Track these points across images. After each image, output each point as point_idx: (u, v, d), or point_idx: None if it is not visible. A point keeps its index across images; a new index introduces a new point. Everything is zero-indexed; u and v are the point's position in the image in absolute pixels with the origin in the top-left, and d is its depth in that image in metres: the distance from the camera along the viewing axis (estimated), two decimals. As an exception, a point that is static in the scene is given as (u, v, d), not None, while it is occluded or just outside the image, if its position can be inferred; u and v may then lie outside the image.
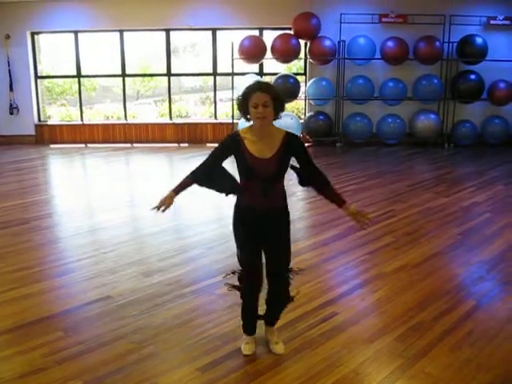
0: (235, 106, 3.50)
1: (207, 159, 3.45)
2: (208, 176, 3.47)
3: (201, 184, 3.49)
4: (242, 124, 11.73)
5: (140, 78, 14.10)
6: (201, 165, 3.44)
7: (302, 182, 3.65)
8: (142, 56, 13.81)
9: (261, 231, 3.46)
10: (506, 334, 3.87)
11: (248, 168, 3.35)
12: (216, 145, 3.46)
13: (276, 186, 3.43)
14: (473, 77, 11.59)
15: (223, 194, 3.55)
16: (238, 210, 3.50)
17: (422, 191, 8.00)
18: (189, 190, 3.41)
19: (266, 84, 3.37)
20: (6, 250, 5.64)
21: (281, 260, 3.58)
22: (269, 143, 3.35)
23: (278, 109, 3.33)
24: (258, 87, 3.27)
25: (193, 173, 3.44)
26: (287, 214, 3.59)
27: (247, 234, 3.48)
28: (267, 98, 3.23)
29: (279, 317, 3.78)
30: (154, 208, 3.35)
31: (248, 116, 3.33)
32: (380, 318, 4.14)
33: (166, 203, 3.35)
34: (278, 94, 3.32)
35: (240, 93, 3.40)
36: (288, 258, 3.62)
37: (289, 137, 3.40)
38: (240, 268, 3.57)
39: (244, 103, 3.30)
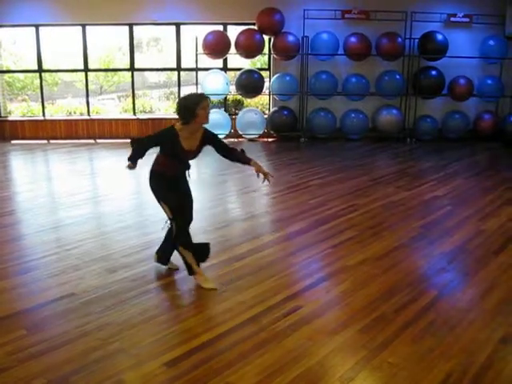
0: (179, 109, 4.32)
1: (147, 141, 4.46)
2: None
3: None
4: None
5: (103, 73, 13.95)
6: (143, 143, 4.45)
7: (226, 157, 4.64)
8: (104, 51, 13.67)
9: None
10: (467, 323, 3.98)
11: (177, 155, 4.40)
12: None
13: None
14: (434, 73, 11.79)
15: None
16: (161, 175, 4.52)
17: (384, 185, 8.13)
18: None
19: None
20: (-33, 248, 5.55)
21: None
22: (195, 138, 4.43)
23: None
24: (206, 96, 4.35)
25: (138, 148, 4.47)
26: None
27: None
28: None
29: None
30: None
31: (192, 119, 4.24)
32: (344, 310, 4.21)
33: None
34: None
35: (186, 99, 4.31)
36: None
37: (206, 132, 4.50)
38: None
39: (193, 108, 4.22)
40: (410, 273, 4.94)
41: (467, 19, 11.92)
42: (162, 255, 4.95)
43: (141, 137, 4.53)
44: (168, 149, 4.41)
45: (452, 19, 11.92)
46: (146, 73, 14.10)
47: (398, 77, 11.86)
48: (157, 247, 5.03)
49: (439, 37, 11.64)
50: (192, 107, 4.22)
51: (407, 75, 12.03)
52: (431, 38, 11.65)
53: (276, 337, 3.76)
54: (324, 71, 11.81)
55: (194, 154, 4.49)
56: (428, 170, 9.39)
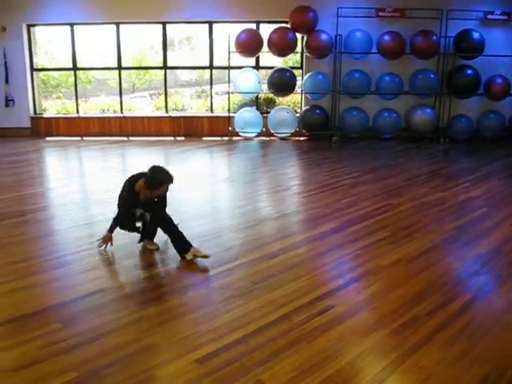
0: (151, 177, 4.63)
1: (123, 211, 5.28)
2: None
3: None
4: (239, 118, 11.75)
5: (135, 71, 14.07)
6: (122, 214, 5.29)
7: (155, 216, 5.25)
8: (137, 49, 13.78)
9: None
10: (503, 326, 3.89)
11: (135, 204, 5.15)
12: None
13: None
14: (469, 71, 11.61)
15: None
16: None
17: (418, 186, 8.02)
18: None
19: None
20: (2, 242, 5.62)
21: None
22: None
23: None
24: (173, 179, 4.94)
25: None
26: None
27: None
28: None
29: None
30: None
31: (156, 189, 4.93)
32: (375, 311, 4.15)
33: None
34: None
35: (161, 174, 4.95)
36: None
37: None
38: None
39: (161, 183, 4.91)
40: (443, 275, 4.85)
41: (505, 17, 11.70)
42: (180, 246, 5.10)
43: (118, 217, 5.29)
44: (129, 200, 5.13)
45: (489, 17, 11.72)
46: (178, 71, 14.17)
47: (432, 76, 11.71)
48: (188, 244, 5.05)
49: (475, 35, 11.45)
50: (160, 182, 4.93)
51: (442, 74, 11.87)
52: (467, 36, 11.46)
53: (307, 336, 3.73)
54: (357, 70, 11.72)
55: (149, 200, 5.13)
56: (462, 170, 9.25)
